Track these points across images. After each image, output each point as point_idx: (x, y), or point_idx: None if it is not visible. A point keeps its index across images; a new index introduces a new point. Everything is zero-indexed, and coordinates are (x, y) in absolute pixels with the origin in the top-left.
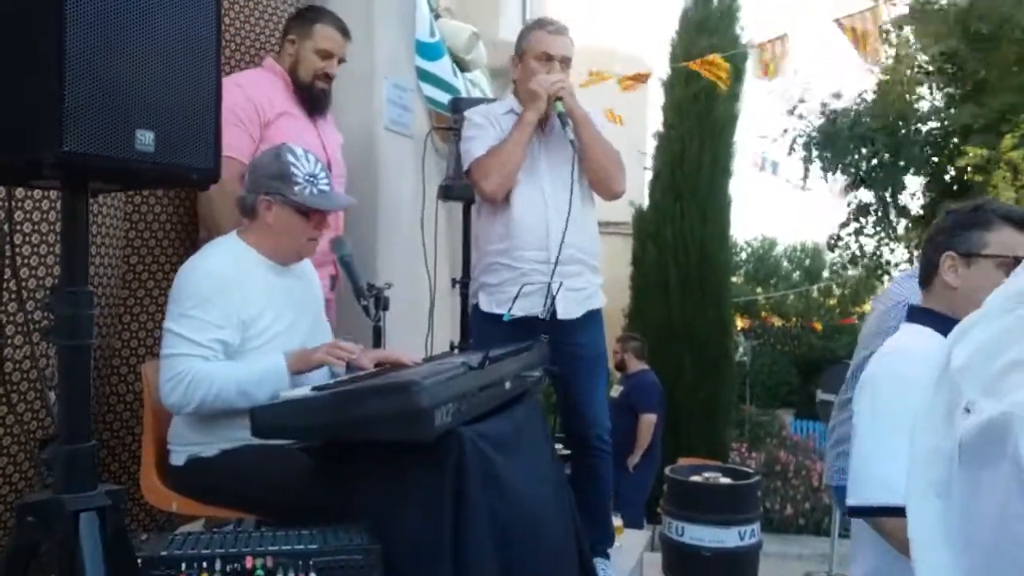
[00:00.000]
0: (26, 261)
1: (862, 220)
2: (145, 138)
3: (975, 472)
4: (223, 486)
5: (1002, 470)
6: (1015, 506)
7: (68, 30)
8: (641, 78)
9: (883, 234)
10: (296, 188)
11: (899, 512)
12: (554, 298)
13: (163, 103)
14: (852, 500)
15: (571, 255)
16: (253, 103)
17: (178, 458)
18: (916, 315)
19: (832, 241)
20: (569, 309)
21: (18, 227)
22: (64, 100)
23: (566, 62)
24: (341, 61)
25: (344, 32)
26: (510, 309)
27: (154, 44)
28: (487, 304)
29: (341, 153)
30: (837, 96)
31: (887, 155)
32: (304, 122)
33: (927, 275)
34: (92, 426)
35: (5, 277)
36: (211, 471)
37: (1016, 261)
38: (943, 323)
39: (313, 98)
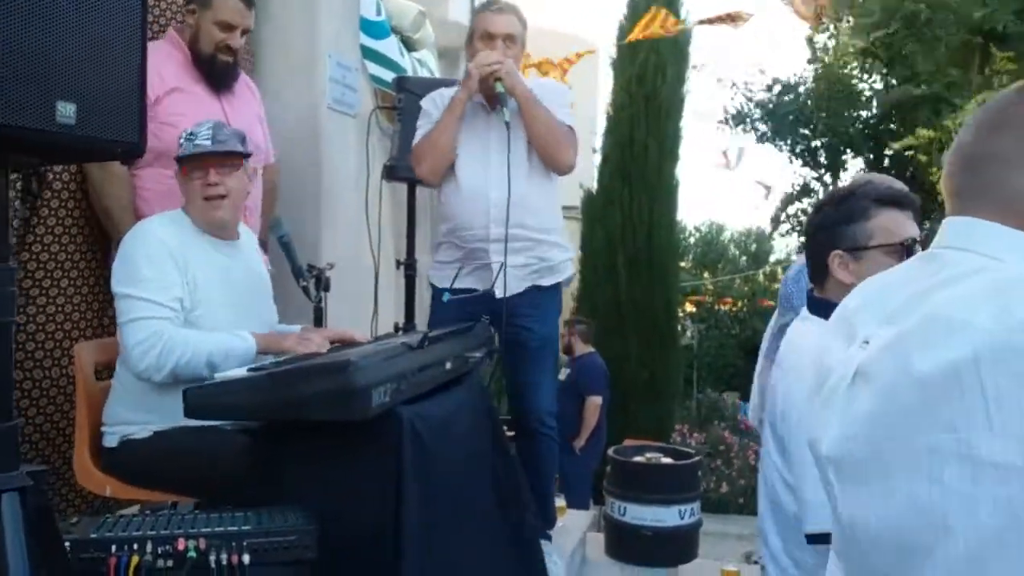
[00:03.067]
0: None
1: (804, 200)
2: (66, 110)
3: (865, 385)
4: (156, 468)
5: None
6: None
7: None
8: (582, 56)
9: None
10: (179, 152)
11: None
12: (494, 278)
13: (86, 74)
14: (808, 528)
15: (515, 234)
16: None
17: (111, 440)
18: (816, 306)
19: (776, 218)
20: (509, 286)
21: None
22: None
23: (511, 40)
24: (245, 32)
25: (247, 1)
26: (451, 286)
27: (77, 12)
28: (437, 280)
29: (268, 127)
30: (775, 82)
31: (826, 138)
32: (204, 98)
33: (818, 274)
34: (14, 405)
35: None
36: (143, 453)
37: (903, 244)
38: None
39: (215, 72)
